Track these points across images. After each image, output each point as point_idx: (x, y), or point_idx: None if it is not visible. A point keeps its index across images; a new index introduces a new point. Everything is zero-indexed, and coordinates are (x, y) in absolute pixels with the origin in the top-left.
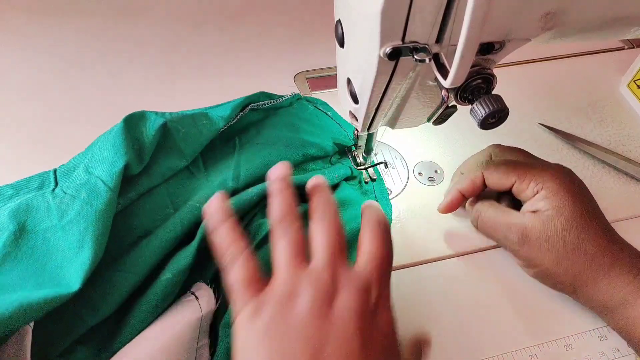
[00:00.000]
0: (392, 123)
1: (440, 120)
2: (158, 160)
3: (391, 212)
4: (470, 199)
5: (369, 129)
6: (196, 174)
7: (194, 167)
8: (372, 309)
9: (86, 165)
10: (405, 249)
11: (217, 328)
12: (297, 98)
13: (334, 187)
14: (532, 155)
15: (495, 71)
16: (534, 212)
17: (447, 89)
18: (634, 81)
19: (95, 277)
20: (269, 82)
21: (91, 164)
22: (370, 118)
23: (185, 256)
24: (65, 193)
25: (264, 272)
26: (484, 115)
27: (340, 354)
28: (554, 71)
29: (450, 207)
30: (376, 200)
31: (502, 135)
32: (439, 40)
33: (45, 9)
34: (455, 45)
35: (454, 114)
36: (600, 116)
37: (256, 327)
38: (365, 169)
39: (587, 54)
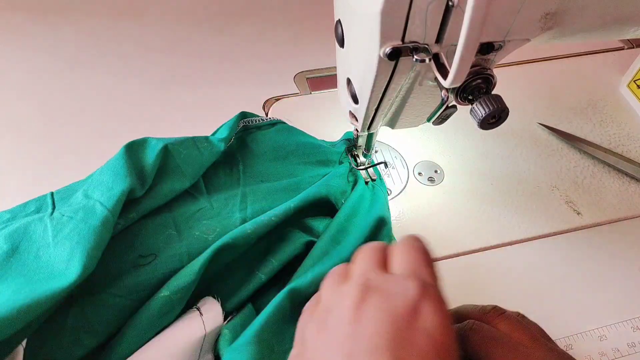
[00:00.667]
0: (392, 123)
1: (440, 121)
2: (159, 182)
3: (389, 214)
4: None
5: (369, 129)
6: (198, 196)
7: (195, 189)
8: (410, 312)
9: (85, 190)
10: None
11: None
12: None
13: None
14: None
15: (495, 71)
16: None
17: (447, 89)
18: (634, 81)
19: (96, 302)
20: (269, 82)
21: (90, 189)
22: (370, 118)
23: (185, 274)
24: (62, 215)
25: None
26: (484, 115)
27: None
28: (554, 71)
29: None
30: (376, 200)
31: (502, 135)
32: (438, 40)
33: (45, 9)
34: (455, 45)
35: (454, 114)
36: (600, 116)
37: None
38: (365, 169)
39: (587, 54)
